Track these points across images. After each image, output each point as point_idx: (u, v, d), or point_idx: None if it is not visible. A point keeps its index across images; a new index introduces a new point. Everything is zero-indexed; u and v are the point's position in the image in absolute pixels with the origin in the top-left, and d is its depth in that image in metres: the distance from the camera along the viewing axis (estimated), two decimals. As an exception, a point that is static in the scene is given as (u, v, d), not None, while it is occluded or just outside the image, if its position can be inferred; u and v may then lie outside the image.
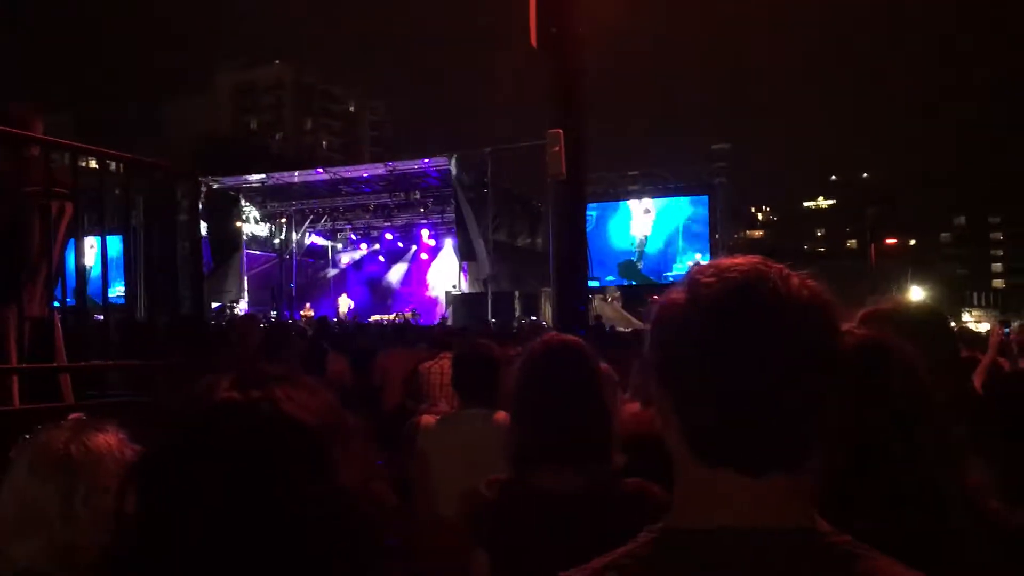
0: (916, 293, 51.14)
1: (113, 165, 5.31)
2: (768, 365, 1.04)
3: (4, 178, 4.43)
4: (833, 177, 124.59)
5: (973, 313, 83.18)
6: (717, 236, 28.79)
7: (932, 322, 2.36)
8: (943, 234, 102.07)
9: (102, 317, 5.76)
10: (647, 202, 28.46)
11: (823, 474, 1.76)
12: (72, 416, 2.09)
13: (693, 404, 1.09)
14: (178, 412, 1.05)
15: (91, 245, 5.10)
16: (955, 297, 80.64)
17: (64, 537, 1.87)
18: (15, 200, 4.46)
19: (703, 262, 1.18)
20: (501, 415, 3.41)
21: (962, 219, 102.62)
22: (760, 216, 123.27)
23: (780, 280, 1.08)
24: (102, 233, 5.07)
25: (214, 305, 28.09)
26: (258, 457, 0.98)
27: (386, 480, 1.11)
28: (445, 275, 32.49)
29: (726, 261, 1.13)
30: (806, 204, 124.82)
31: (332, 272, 35.58)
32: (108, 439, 1.99)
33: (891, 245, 58.49)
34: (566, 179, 6.54)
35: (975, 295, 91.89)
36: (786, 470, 1.08)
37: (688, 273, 1.15)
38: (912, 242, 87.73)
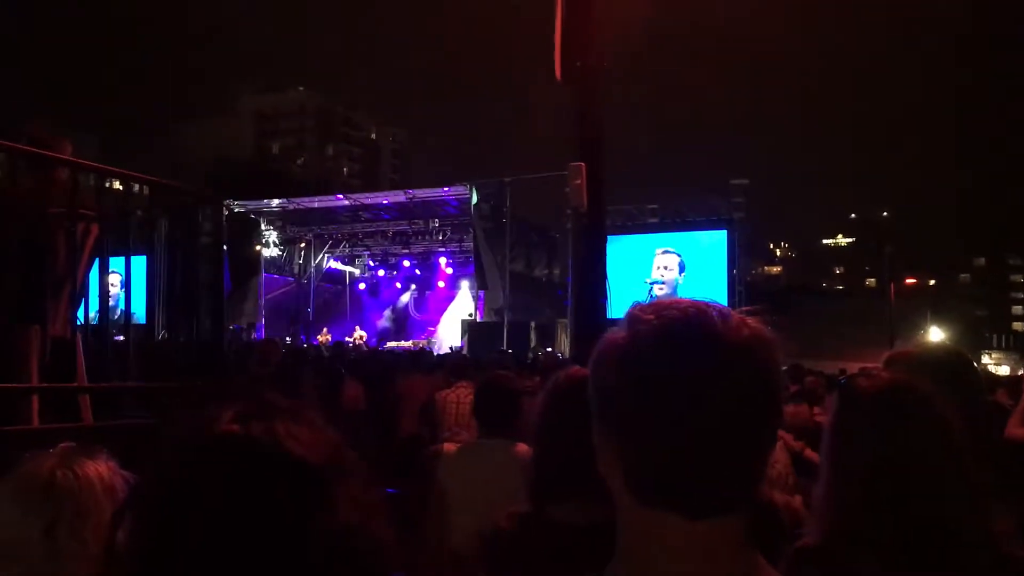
0: (935, 334, 50.74)
1: (137, 187, 5.37)
2: (706, 402, 1.02)
3: (31, 199, 4.49)
4: (852, 215, 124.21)
5: (992, 355, 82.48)
6: (735, 272, 28.65)
7: (958, 366, 2.34)
8: (962, 275, 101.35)
9: (123, 338, 5.79)
10: (670, 258, 28.30)
11: (842, 515, 1.76)
12: (61, 444, 2.05)
13: (632, 444, 1.07)
14: (177, 443, 1.04)
15: (114, 270, 5.12)
16: (974, 339, 79.90)
17: (45, 569, 1.81)
18: (41, 220, 4.51)
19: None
20: (522, 447, 3.40)
21: (982, 260, 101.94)
22: (778, 252, 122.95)
23: (720, 318, 1.07)
24: (126, 254, 5.11)
25: (232, 328, 28.18)
26: (255, 493, 0.96)
27: (387, 519, 1.09)
28: (462, 304, 32.54)
29: (667, 300, 1.12)
30: (825, 241, 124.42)
31: (349, 298, 35.68)
32: (98, 467, 1.93)
33: (910, 285, 58.18)
34: (587, 212, 6.56)
35: (994, 337, 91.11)
36: (726, 512, 1.06)
37: (628, 312, 1.14)
38: (931, 282, 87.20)
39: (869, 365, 2.18)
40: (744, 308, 1.11)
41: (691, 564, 1.05)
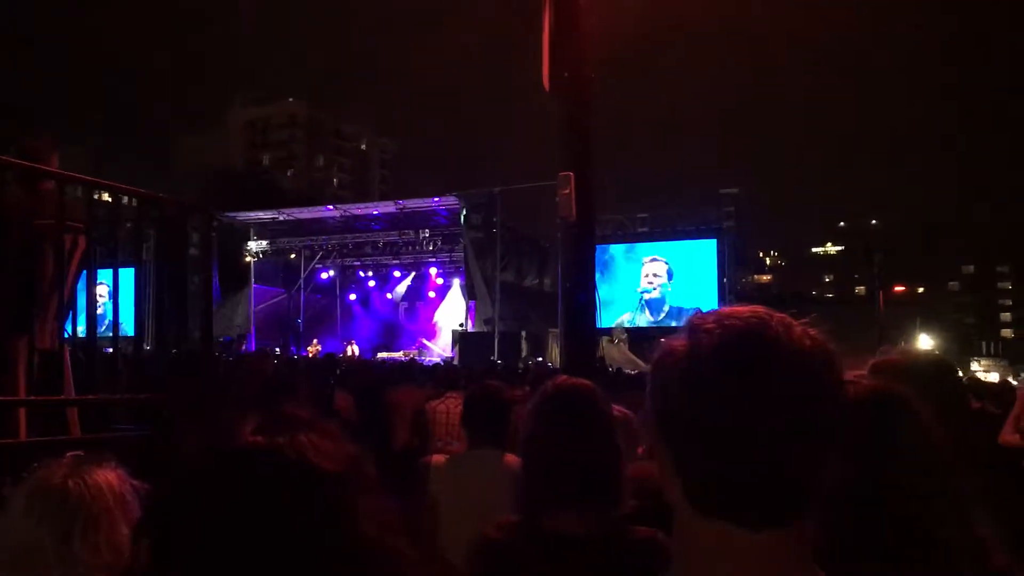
0: (924, 341, 50.89)
1: (126, 199, 5.36)
2: (770, 415, 1.02)
3: (19, 210, 4.47)
4: (841, 223, 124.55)
5: (982, 362, 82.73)
6: (725, 280, 28.74)
7: (941, 373, 2.36)
8: (951, 283, 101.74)
9: (111, 350, 5.78)
10: (658, 265, 28.40)
11: (827, 524, 1.76)
12: (70, 453, 2.07)
13: (692, 454, 1.07)
14: (202, 454, 1.05)
15: (101, 281, 5.10)
16: (964, 346, 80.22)
17: (60, 575, 1.84)
18: (29, 232, 4.49)
19: (704, 309, 1.16)
20: (511, 458, 3.40)
21: (971, 268, 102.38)
22: (768, 261, 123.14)
23: (782, 328, 1.07)
24: (114, 266, 5.09)
25: (222, 339, 28.11)
26: (282, 504, 0.98)
27: (403, 531, 1.10)
28: (453, 314, 32.52)
29: (727, 309, 1.12)
30: (814, 250, 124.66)
31: (339, 308, 35.61)
32: (107, 475, 1.97)
33: (900, 292, 58.39)
34: (576, 221, 6.57)
35: (984, 344, 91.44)
36: (786, 523, 1.06)
37: (688, 321, 1.14)
38: (921, 290, 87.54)
39: (857, 372, 2.19)
40: (803, 320, 1.11)
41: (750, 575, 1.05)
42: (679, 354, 1.10)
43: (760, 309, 1.11)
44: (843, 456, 1.78)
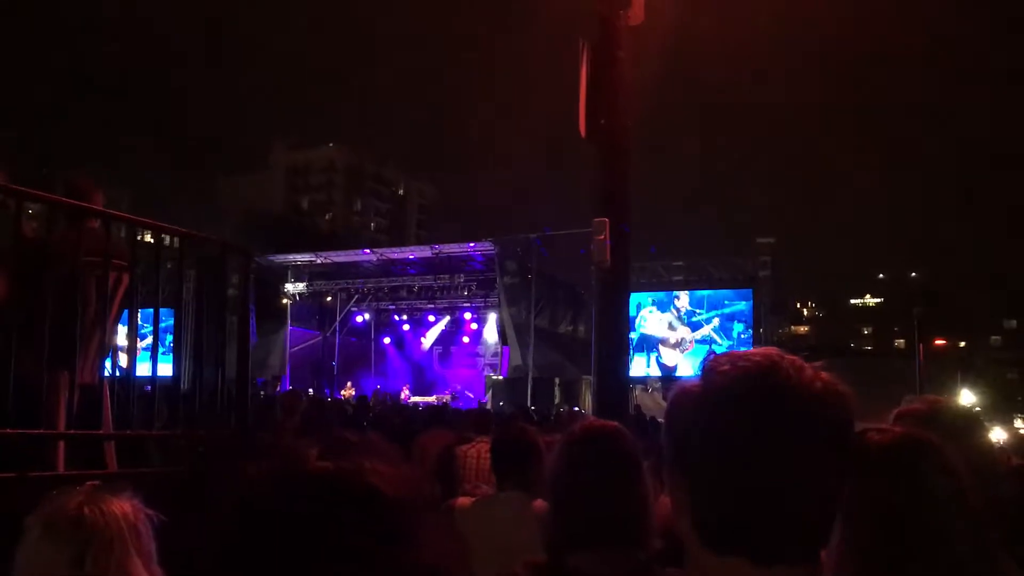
0: (966, 396, 49.90)
1: (168, 239, 5.46)
2: (779, 456, 1.05)
3: (66, 247, 4.58)
4: (881, 275, 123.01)
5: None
6: (761, 331, 28.45)
7: (966, 423, 2.34)
8: (993, 337, 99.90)
9: (149, 388, 5.86)
10: (686, 304, 28.23)
11: (853, 561, 1.75)
12: (88, 483, 2.13)
13: (704, 493, 1.10)
14: (271, 479, 1.09)
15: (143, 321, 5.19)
16: (1006, 402, 78.49)
17: None
18: (74, 269, 4.60)
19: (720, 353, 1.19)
20: (539, 503, 3.40)
21: (1013, 323, 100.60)
22: (805, 312, 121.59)
23: (793, 370, 1.09)
24: (155, 305, 5.20)
25: (256, 380, 28.29)
26: (347, 527, 1.00)
27: (461, 557, 1.12)
28: (486, 359, 32.52)
29: (741, 351, 1.15)
30: (853, 301, 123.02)
31: (374, 352, 35.76)
32: (122, 504, 2.03)
33: (940, 346, 57.35)
34: (610, 268, 6.59)
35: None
36: (796, 562, 1.07)
37: (704, 362, 1.17)
38: (962, 344, 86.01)
39: (884, 426, 2.18)
40: (817, 363, 1.14)
41: None
42: (693, 394, 1.14)
43: (773, 351, 1.14)
44: (871, 500, 1.78)
